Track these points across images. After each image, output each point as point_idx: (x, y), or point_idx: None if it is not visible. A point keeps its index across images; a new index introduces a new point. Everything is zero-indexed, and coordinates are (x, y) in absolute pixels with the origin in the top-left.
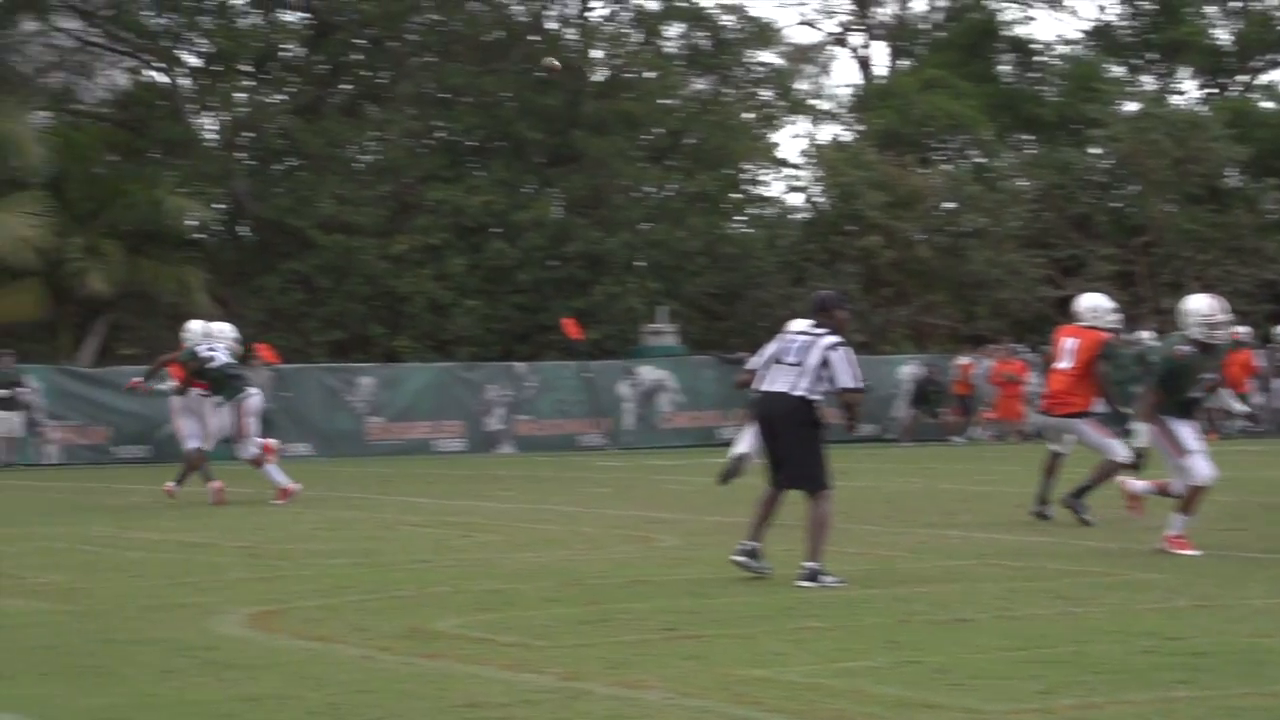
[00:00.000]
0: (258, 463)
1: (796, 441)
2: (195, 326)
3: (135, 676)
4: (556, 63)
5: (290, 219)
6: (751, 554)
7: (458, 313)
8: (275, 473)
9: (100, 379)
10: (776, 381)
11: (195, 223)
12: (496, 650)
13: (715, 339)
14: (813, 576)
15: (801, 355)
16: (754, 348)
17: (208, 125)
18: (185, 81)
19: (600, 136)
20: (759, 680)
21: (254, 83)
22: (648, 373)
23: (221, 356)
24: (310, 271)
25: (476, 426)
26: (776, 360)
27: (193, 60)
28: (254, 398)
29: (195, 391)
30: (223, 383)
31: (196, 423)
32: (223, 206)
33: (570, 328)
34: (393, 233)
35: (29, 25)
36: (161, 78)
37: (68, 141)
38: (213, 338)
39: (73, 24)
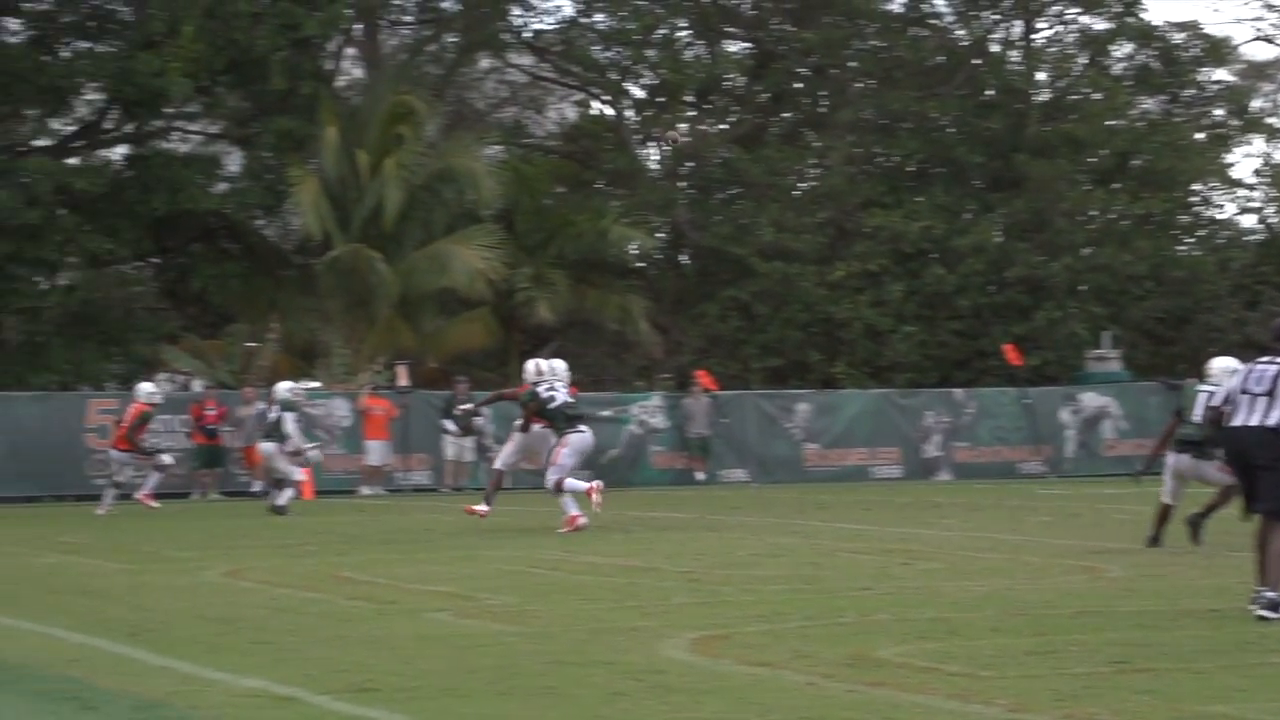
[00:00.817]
0: (558, 487)
1: (1271, 472)
2: (531, 367)
3: (585, 698)
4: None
5: (730, 247)
6: (1274, 604)
7: (895, 339)
8: (571, 500)
9: None
10: (1246, 414)
11: (637, 251)
12: (942, 679)
13: (1162, 365)
14: (1274, 606)
15: (1270, 385)
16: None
17: (651, 156)
18: (630, 113)
19: (1043, 160)
20: (1219, 717)
21: (696, 113)
22: (1090, 399)
23: (561, 395)
24: (749, 298)
25: (914, 453)
26: (1242, 391)
27: (638, 92)
28: (578, 435)
29: (536, 428)
30: (561, 420)
31: (517, 452)
32: (664, 235)
33: (1011, 353)
34: (831, 259)
35: (485, 63)
36: (608, 110)
37: (518, 174)
38: (550, 377)
39: (525, 60)
